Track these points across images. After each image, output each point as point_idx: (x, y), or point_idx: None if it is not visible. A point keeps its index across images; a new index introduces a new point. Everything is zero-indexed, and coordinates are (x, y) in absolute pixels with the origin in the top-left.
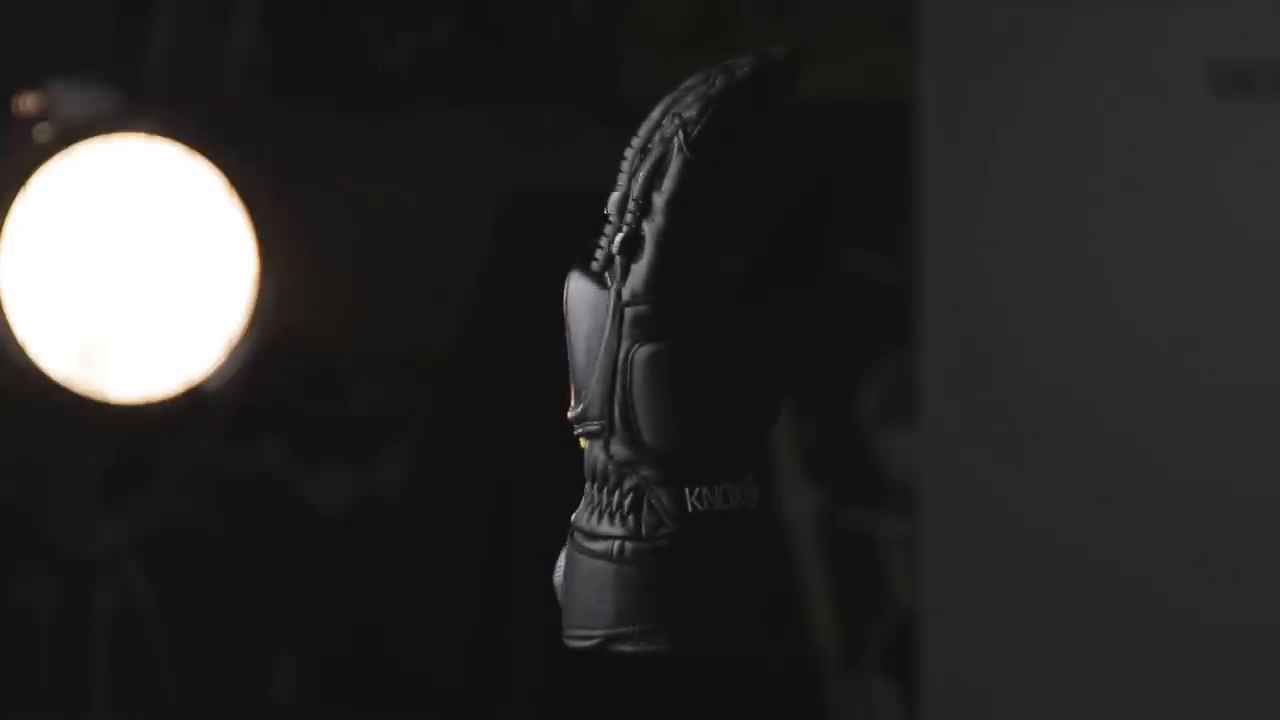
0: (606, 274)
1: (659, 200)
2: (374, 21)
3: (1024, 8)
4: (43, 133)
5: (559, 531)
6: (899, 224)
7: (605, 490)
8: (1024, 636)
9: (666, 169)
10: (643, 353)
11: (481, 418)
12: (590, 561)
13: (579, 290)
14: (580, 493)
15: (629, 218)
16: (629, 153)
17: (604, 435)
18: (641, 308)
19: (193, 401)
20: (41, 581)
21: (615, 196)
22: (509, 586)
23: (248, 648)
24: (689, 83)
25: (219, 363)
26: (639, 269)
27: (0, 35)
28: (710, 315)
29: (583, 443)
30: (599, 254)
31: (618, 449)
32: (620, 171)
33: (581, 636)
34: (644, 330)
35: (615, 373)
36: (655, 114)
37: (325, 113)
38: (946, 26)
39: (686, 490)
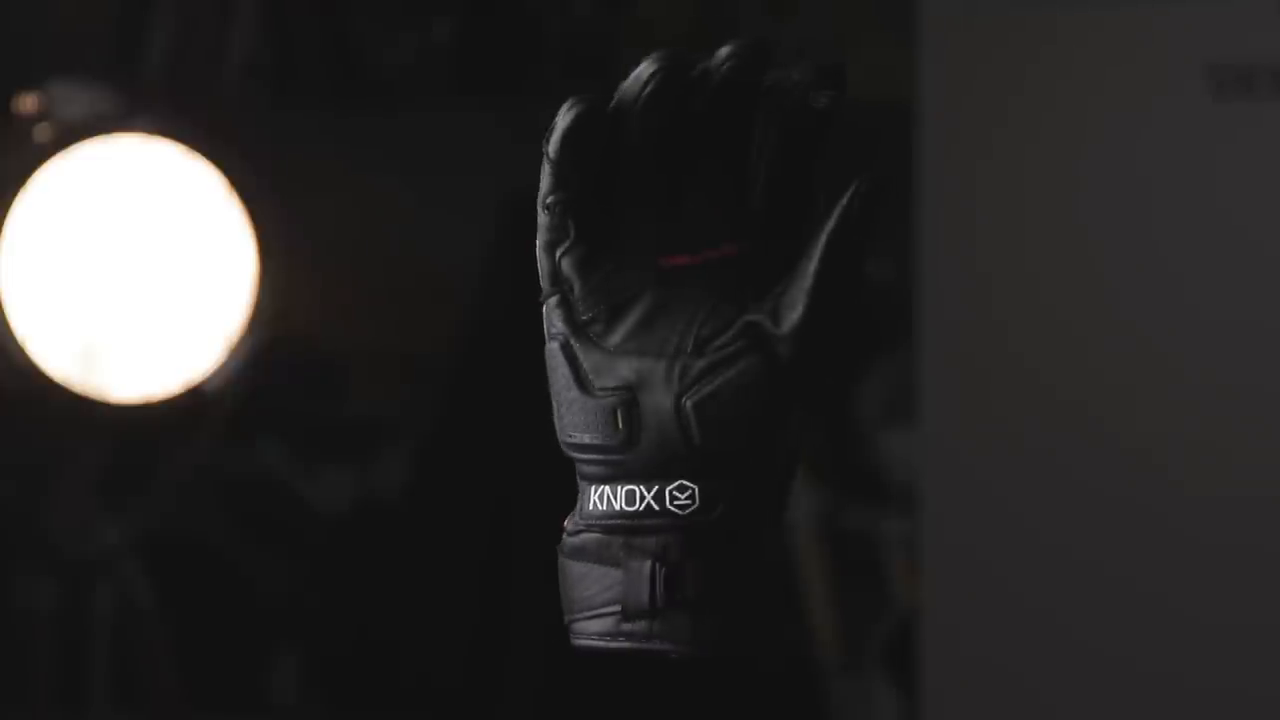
0: None
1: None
2: (374, 21)
3: (1024, 8)
4: (43, 133)
5: (559, 532)
6: (899, 224)
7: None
8: (1024, 636)
9: None
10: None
11: (481, 418)
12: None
13: None
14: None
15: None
16: None
17: None
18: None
19: (193, 401)
20: (41, 581)
21: None
22: (509, 587)
23: (248, 648)
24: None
25: (219, 363)
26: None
27: (0, 35)
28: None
29: None
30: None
31: None
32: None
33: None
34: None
35: None
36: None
37: (325, 113)
38: (946, 26)
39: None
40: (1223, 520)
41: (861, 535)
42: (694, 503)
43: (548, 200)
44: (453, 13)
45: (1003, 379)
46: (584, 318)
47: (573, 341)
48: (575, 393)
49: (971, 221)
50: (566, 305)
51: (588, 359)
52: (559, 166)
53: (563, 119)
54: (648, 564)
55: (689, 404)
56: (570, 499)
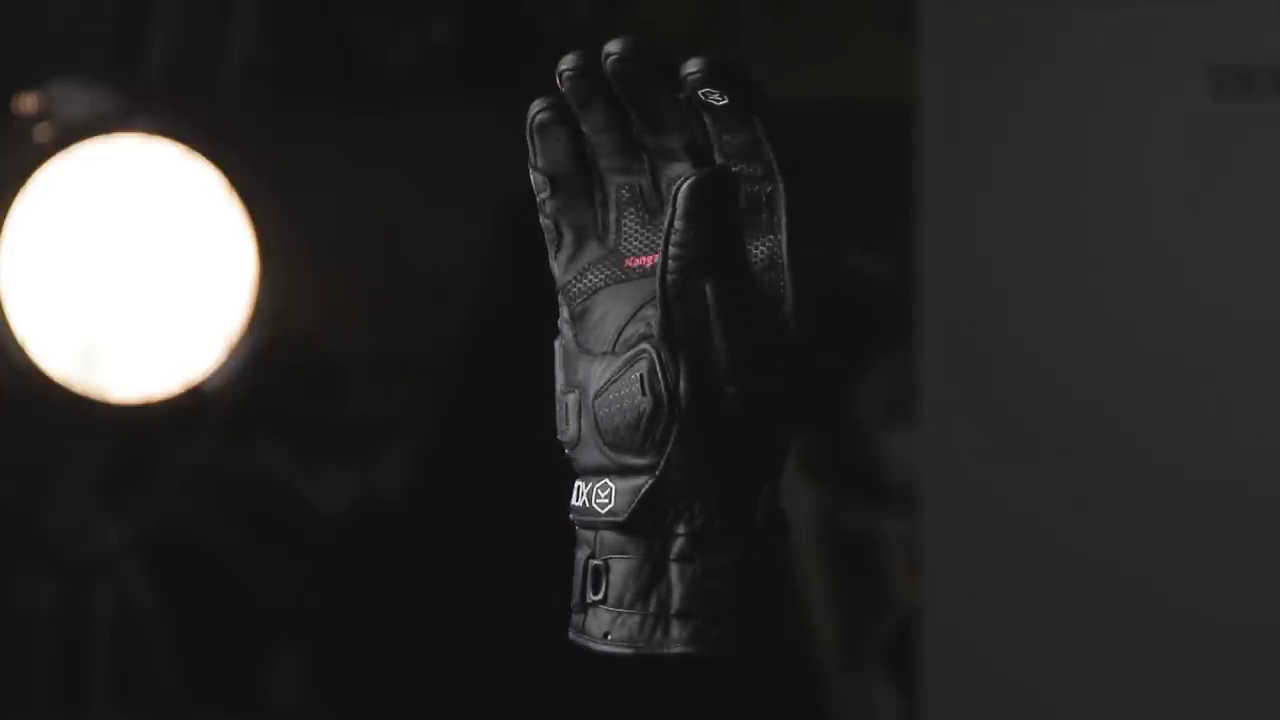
0: None
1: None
2: (374, 21)
3: (1024, 8)
4: (43, 133)
5: (559, 532)
6: (899, 224)
7: None
8: (1024, 636)
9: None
10: None
11: (481, 418)
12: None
13: None
14: None
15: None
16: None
17: None
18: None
19: (193, 401)
20: (41, 581)
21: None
22: (509, 587)
23: (248, 648)
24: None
25: (219, 363)
26: None
27: (0, 35)
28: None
29: None
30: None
31: None
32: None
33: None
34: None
35: None
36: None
37: (325, 113)
38: (946, 26)
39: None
40: (1223, 519)
41: (861, 535)
42: (610, 501)
43: (538, 200)
44: (453, 13)
45: (1003, 379)
46: (565, 316)
47: (559, 340)
48: (557, 389)
49: (971, 221)
50: (560, 304)
51: (564, 357)
52: (533, 166)
53: (528, 121)
54: (583, 559)
55: (596, 404)
56: (569, 498)
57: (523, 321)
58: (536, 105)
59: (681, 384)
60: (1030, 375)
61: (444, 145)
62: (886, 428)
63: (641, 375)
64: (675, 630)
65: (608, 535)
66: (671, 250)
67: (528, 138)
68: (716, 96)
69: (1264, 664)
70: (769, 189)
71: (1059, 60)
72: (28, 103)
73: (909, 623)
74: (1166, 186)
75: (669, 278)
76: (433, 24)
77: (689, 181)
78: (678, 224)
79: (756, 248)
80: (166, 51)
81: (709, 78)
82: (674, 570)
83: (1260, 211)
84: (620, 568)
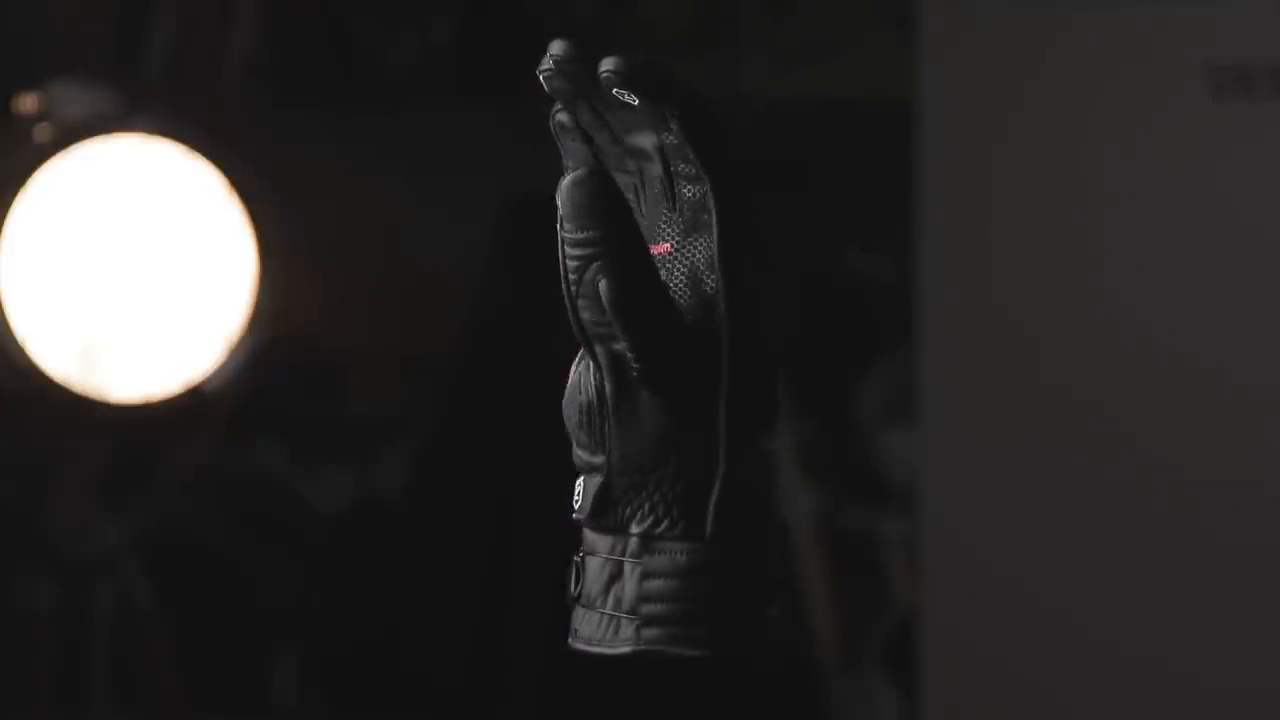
0: None
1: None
2: (374, 21)
3: (1024, 8)
4: (43, 133)
5: (559, 532)
6: (899, 224)
7: None
8: (1024, 636)
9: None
10: None
11: (482, 418)
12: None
13: None
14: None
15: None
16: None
17: None
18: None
19: (193, 401)
20: (41, 581)
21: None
22: (509, 587)
23: (248, 648)
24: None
25: (219, 363)
26: None
27: (0, 35)
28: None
29: None
30: None
31: None
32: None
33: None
34: None
35: None
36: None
37: (326, 113)
38: (946, 26)
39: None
40: (1223, 519)
41: (861, 535)
42: (579, 499)
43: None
44: (453, 13)
45: (1003, 378)
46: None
47: None
48: None
49: (972, 221)
50: None
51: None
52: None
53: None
54: (575, 557)
55: (564, 402)
56: (569, 499)
57: (523, 321)
58: (555, 107)
59: (606, 382)
60: (1030, 375)
61: (444, 145)
62: (886, 428)
63: (581, 373)
64: (624, 629)
65: (585, 533)
66: (565, 250)
67: (555, 139)
68: (628, 97)
69: (1264, 664)
70: (703, 189)
71: (1059, 60)
72: (28, 103)
73: (909, 623)
74: (1166, 186)
75: (569, 277)
76: (433, 24)
77: (562, 182)
78: (566, 224)
79: (702, 248)
80: (166, 51)
81: (616, 79)
82: (627, 569)
83: (1260, 211)
84: (591, 565)
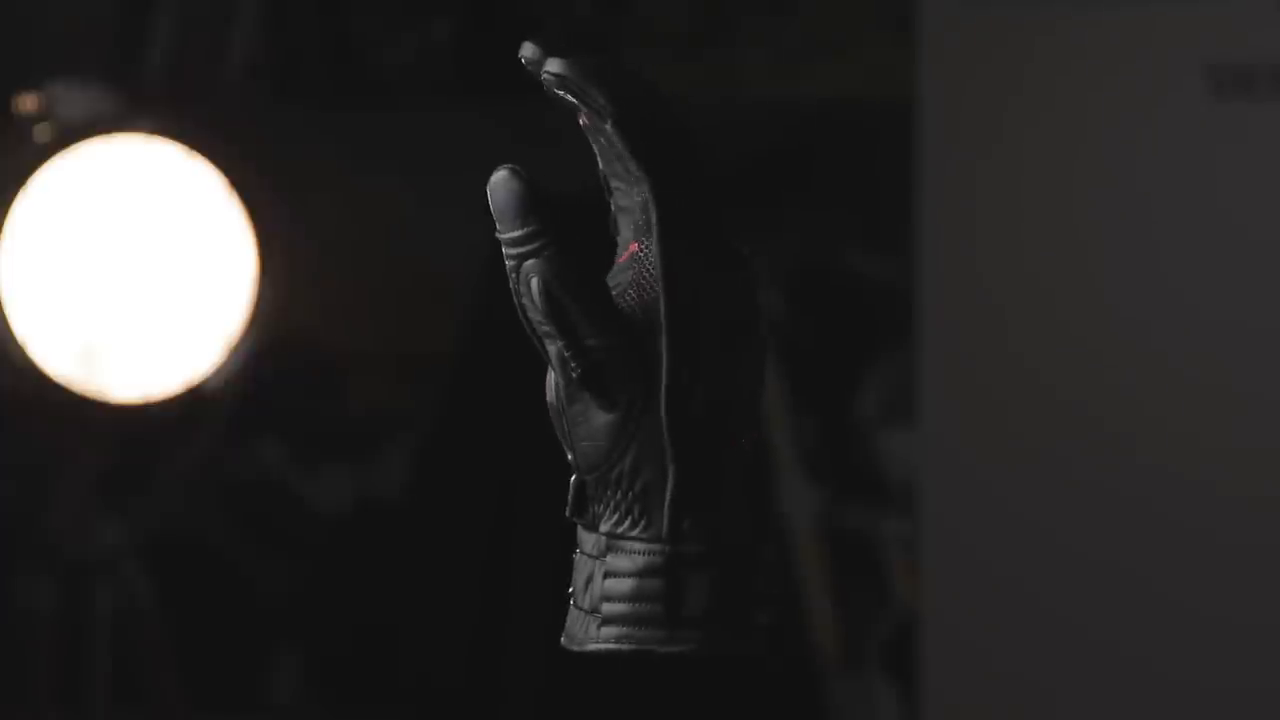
0: None
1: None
2: (374, 21)
3: (1024, 8)
4: (43, 133)
5: (559, 531)
6: (899, 224)
7: None
8: (1024, 636)
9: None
10: None
11: (481, 418)
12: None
13: None
14: None
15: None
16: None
17: None
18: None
19: (193, 401)
20: (41, 581)
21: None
22: (509, 587)
23: (248, 648)
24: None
25: (219, 363)
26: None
27: (0, 35)
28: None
29: None
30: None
31: None
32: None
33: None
34: None
35: None
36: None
37: (325, 112)
38: (946, 26)
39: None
40: (1223, 519)
41: (861, 535)
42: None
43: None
44: (453, 13)
45: (1002, 379)
46: None
47: None
48: None
49: (971, 221)
50: None
51: None
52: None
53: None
54: (574, 555)
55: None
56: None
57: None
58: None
59: (559, 381)
60: (1030, 375)
61: (444, 145)
62: (886, 428)
63: (550, 372)
64: (592, 628)
65: (578, 530)
66: (504, 250)
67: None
68: (566, 99)
69: (1264, 664)
70: (644, 191)
71: (1059, 60)
72: (28, 103)
73: (909, 623)
74: (1166, 186)
75: (510, 277)
76: (433, 24)
77: (489, 182)
78: (497, 225)
79: (651, 249)
80: (166, 51)
81: (552, 81)
82: (596, 567)
83: (1260, 211)
84: (577, 563)
